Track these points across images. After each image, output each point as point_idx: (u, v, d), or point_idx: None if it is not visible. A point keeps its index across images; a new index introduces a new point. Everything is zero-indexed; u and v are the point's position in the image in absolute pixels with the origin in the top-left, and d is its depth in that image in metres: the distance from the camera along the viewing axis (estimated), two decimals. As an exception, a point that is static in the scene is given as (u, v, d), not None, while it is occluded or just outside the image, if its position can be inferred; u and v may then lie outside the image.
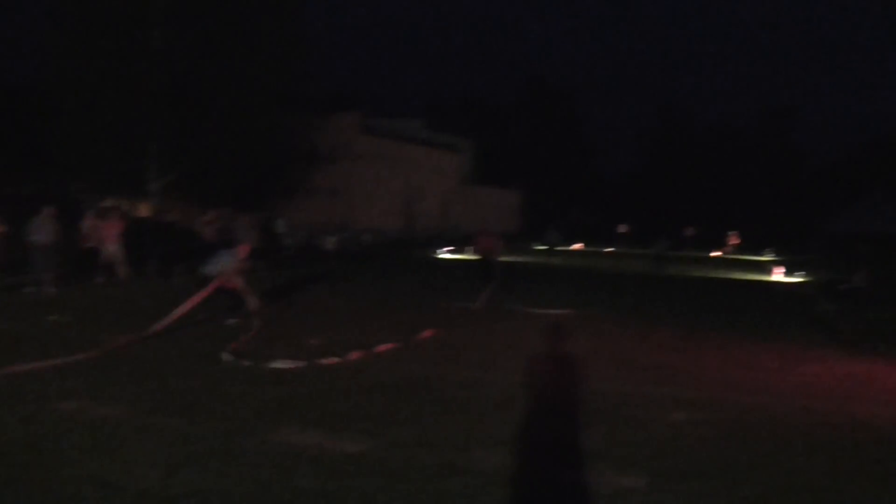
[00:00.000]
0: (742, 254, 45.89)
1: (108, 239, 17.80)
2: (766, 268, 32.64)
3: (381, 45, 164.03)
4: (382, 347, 10.92)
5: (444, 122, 70.20)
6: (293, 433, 6.57)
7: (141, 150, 24.13)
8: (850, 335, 13.21)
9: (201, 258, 13.09)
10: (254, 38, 24.79)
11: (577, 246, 42.57)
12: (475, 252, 21.33)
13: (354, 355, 10.20)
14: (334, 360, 9.86)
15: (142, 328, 11.24)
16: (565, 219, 56.66)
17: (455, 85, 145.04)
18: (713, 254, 45.46)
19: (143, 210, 26.90)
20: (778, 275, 28.58)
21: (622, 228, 52.21)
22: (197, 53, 24.18)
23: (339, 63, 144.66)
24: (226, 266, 12.34)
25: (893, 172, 60.63)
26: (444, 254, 35.74)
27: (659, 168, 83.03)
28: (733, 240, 48.00)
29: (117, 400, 7.44)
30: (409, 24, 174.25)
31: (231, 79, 24.51)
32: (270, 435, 6.49)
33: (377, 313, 14.53)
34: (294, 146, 30.18)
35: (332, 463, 5.83)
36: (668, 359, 10.99)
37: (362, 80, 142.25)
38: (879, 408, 8.49)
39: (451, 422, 7.17)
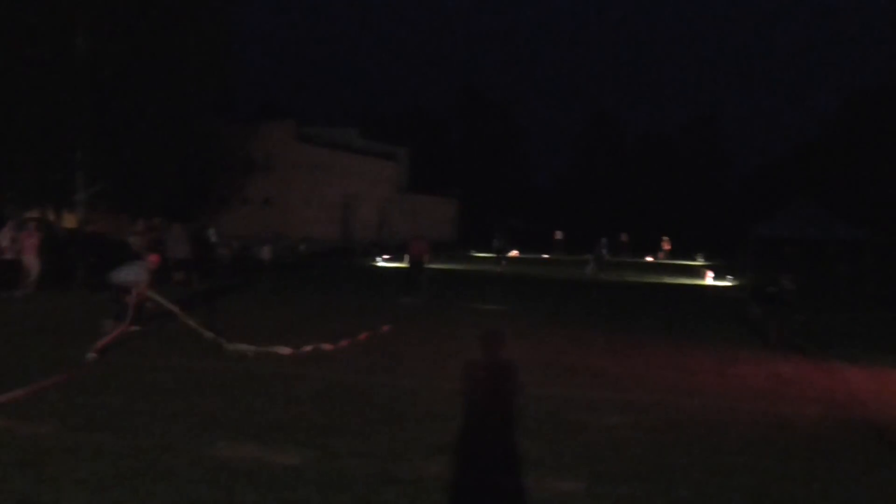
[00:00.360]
0: (674, 258, 47.03)
1: (26, 251, 17.68)
2: (697, 272, 33.45)
3: (316, 54, 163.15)
4: (324, 347, 11.07)
5: (380, 131, 70.08)
6: (227, 447, 6.43)
7: (66, 160, 23.43)
8: (778, 337, 13.58)
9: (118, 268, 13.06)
10: (180, 46, 24.36)
11: (513, 253, 42.99)
12: (407, 258, 21.82)
13: (283, 351, 10.53)
14: (267, 365, 9.83)
15: (61, 344, 11.01)
16: (502, 226, 56.95)
17: (390, 94, 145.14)
18: (648, 259, 46.47)
19: (70, 221, 26.11)
20: (709, 279, 29.36)
21: (558, 235, 53.02)
22: (122, 61, 23.69)
23: (273, 73, 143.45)
24: (136, 276, 12.34)
25: (816, 179, 63.03)
26: (382, 262, 35.63)
27: (592, 175, 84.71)
28: (665, 245, 49.25)
29: (46, 417, 7.23)
30: (343, 34, 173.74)
31: (158, 86, 24.02)
32: (204, 449, 6.35)
33: (312, 321, 14.43)
34: (227, 155, 29.72)
35: (269, 476, 5.74)
36: (605, 363, 11.14)
37: (297, 89, 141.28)
38: (805, 406, 8.77)
39: (389, 430, 7.11)
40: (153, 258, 12.93)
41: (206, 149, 26.15)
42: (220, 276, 23.88)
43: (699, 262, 42.62)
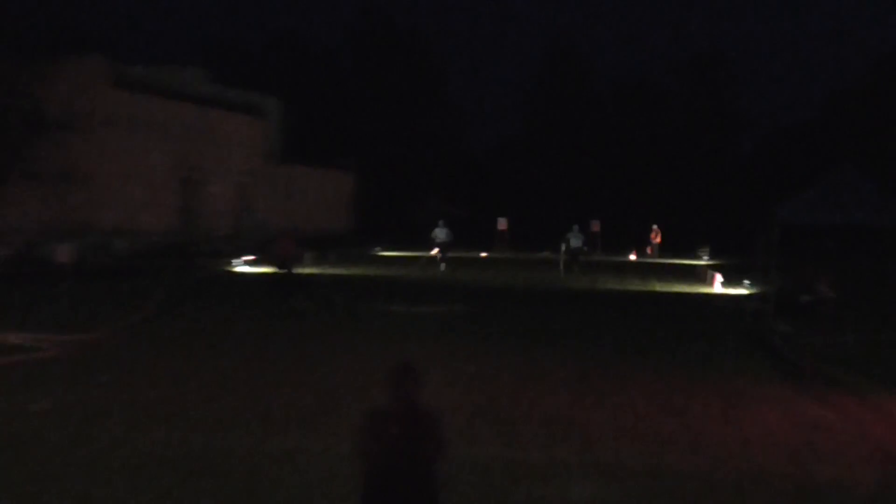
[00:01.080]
0: (668, 256, 47.67)
1: None
2: (701, 275, 34.00)
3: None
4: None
5: (241, 73, 69.00)
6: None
7: None
8: (813, 366, 13.72)
9: None
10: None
11: (435, 252, 43.18)
12: (273, 260, 21.83)
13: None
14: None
15: None
16: (423, 210, 57.07)
17: (254, 19, 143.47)
18: (631, 257, 47.05)
19: None
20: (717, 284, 29.81)
21: (502, 224, 53.05)
22: None
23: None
24: None
25: (862, 144, 64.77)
26: (242, 265, 35.77)
27: (549, 140, 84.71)
28: (655, 237, 49.76)
29: None
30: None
31: None
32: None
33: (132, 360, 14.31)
34: (2, 103, 28.82)
35: None
36: (568, 407, 11.15)
37: (116, 11, 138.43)
38: (855, 467, 8.77)
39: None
40: None
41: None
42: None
43: (703, 261, 43.23)
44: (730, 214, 65.55)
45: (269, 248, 24.36)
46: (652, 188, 77.45)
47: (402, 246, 50.49)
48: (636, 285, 30.79)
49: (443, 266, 36.45)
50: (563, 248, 35.48)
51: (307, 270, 31.54)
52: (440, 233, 38.75)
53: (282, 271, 24.28)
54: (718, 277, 30.68)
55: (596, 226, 51.94)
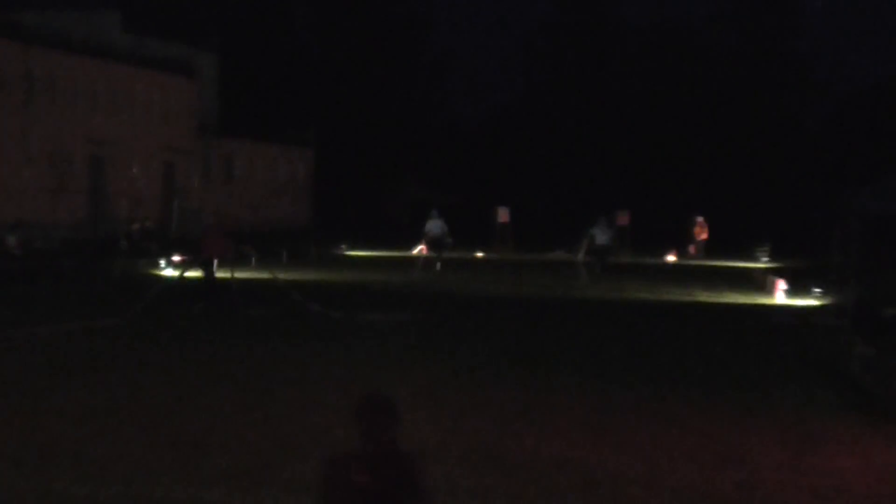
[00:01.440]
0: (714, 257, 47.60)
1: None
2: (758, 281, 34.01)
3: None
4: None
5: (166, 20, 68.86)
6: None
7: None
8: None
9: None
10: None
11: (420, 248, 43.14)
12: (199, 260, 23.17)
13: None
14: None
15: None
16: (401, 197, 57.14)
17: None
18: (669, 258, 47.27)
19: None
20: (779, 293, 29.81)
21: (503, 215, 52.84)
22: None
23: None
24: None
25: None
26: (170, 268, 35.73)
27: (556, 107, 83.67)
28: (700, 232, 49.70)
29: None
30: None
31: None
32: None
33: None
34: None
35: None
36: (586, 447, 11.09)
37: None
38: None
39: None
40: None
41: None
42: None
43: (761, 264, 43.20)
44: (795, 203, 65.33)
45: (193, 246, 24.29)
46: (694, 169, 76.59)
47: (375, 243, 50.38)
48: (676, 294, 30.89)
49: (438, 265, 36.56)
50: (583, 246, 35.35)
51: (246, 275, 31.44)
52: (434, 226, 38.63)
53: (203, 275, 24.36)
54: (781, 284, 30.72)
55: (623, 218, 51.73)
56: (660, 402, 13.98)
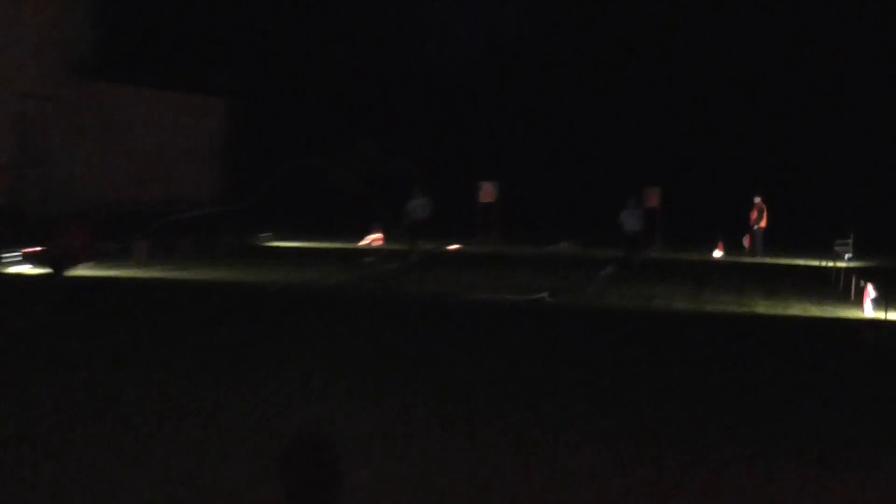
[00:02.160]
0: (777, 253, 47.30)
1: None
2: (839, 286, 33.75)
3: None
4: None
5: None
6: None
7: None
8: None
9: None
10: None
11: (373, 237, 43.47)
12: (44, 259, 22.61)
13: None
14: None
15: None
16: (354, 166, 56.95)
17: None
18: (716, 254, 46.94)
19: None
20: (868, 304, 29.54)
21: (488, 192, 51.99)
22: None
23: None
24: None
25: None
26: (23, 262, 36.49)
27: (563, 49, 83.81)
28: (758, 219, 49.22)
29: None
30: None
31: None
32: None
33: None
34: None
35: None
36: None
37: None
38: None
39: None
40: None
41: None
42: None
43: (843, 263, 43.03)
44: (886, 185, 65.49)
45: (49, 241, 24.62)
46: (749, 136, 76.38)
47: (310, 231, 50.51)
48: (725, 303, 29.83)
49: (415, 258, 36.74)
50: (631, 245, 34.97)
51: (127, 273, 31.39)
52: (419, 207, 39.14)
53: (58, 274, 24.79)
54: (870, 291, 29.54)
55: (653, 198, 50.34)
56: (709, 447, 13.86)
